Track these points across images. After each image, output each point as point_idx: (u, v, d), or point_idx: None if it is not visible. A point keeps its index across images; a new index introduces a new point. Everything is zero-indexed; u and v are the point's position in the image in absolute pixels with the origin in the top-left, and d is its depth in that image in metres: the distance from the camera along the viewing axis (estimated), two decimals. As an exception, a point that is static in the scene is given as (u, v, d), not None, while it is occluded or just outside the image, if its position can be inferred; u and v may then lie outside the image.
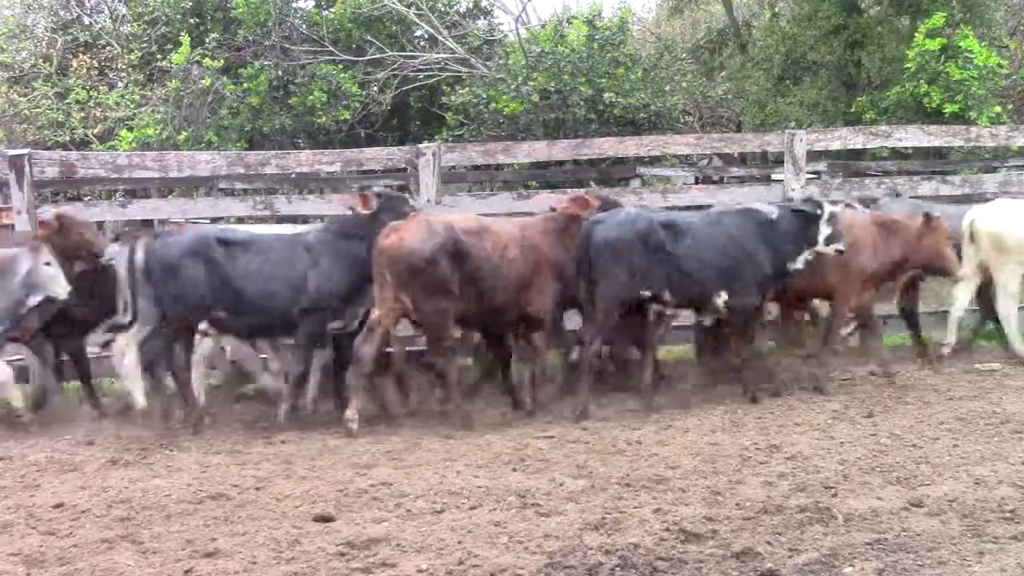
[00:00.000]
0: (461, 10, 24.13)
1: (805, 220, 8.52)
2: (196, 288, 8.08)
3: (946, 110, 16.97)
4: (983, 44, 17.88)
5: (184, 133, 20.02)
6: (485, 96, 19.69)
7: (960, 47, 17.32)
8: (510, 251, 8.10)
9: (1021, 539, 4.99)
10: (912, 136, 11.28)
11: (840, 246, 8.49)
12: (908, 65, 17.57)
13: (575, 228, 8.37)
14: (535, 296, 8.24)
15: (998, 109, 17.65)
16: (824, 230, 8.48)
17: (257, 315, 8.25)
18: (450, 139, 19.27)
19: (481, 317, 8.30)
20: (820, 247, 8.51)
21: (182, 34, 20.72)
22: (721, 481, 6.14)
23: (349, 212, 8.75)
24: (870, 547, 4.98)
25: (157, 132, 20.01)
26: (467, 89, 20.38)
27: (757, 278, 8.51)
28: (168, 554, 5.19)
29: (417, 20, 22.36)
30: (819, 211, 8.51)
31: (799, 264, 8.59)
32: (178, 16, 22.43)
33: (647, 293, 8.34)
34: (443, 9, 23.26)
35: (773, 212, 8.62)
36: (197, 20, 22.55)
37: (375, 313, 8.03)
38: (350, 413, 7.88)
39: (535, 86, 18.78)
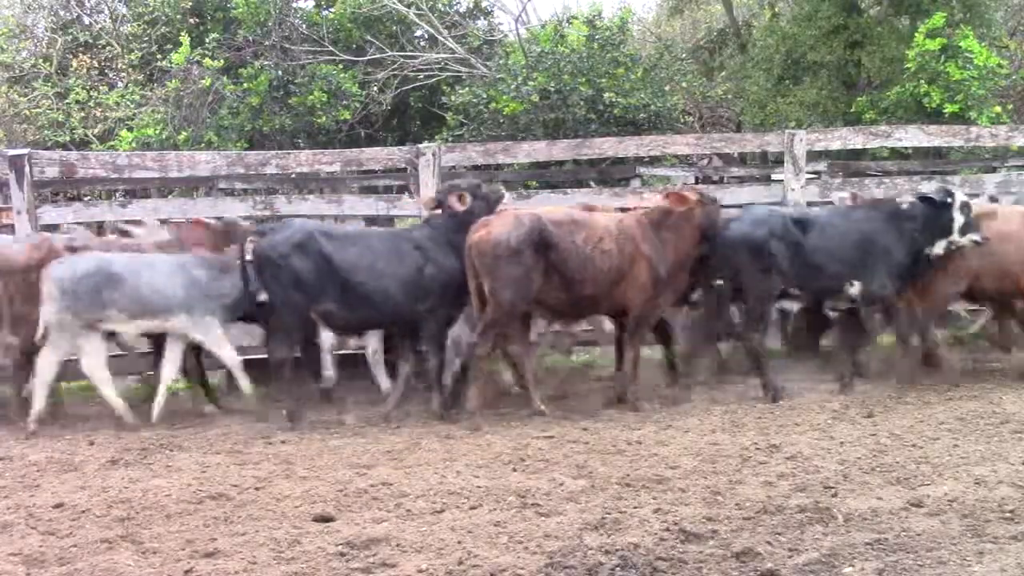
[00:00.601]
0: (461, 10, 24.13)
1: (935, 209, 8.68)
2: (308, 282, 8.26)
3: (946, 110, 16.95)
4: (983, 44, 17.85)
5: (184, 133, 20.01)
6: (485, 96, 19.67)
7: (960, 47, 17.29)
8: (604, 243, 8.21)
9: (1021, 539, 4.99)
10: (912, 136, 11.29)
11: (976, 236, 8.62)
12: (908, 65, 17.55)
13: (675, 222, 8.45)
14: (629, 289, 8.32)
15: (998, 109, 17.62)
16: (958, 219, 8.61)
17: (370, 310, 8.43)
18: (450, 139, 19.25)
19: (570, 307, 8.47)
20: (955, 237, 8.67)
21: (182, 34, 20.71)
22: (721, 481, 6.14)
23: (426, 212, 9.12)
24: (870, 547, 4.97)
25: (157, 132, 20.00)
26: (467, 89, 20.36)
27: (888, 269, 8.73)
28: (168, 554, 5.19)
29: (417, 20, 22.35)
30: (949, 200, 8.60)
31: (937, 252, 8.76)
32: (178, 16, 22.42)
33: (780, 287, 8.68)
34: (443, 9, 23.25)
35: (904, 203, 8.95)
36: (197, 20, 22.55)
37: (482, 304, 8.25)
38: (471, 406, 8.25)
39: (535, 86, 18.76)
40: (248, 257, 8.50)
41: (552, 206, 9.32)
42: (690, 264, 8.62)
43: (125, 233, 9.78)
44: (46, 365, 8.48)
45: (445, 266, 8.42)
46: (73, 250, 8.63)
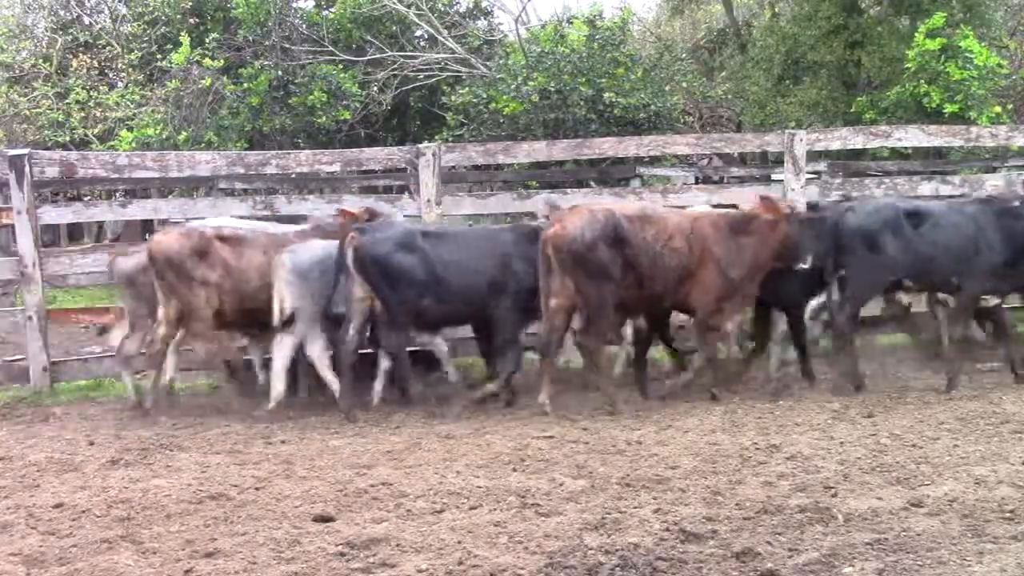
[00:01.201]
0: (461, 10, 24.15)
1: None
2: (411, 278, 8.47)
3: (946, 110, 16.95)
4: (983, 44, 17.86)
5: (184, 133, 20.03)
6: (485, 96, 19.68)
7: (960, 47, 17.29)
8: (675, 241, 8.24)
9: (1021, 539, 4.99)
10: (912, 136, 11.27)
11: None
12: (908, 65, 17.55)
13: (757, 229, 8.44)
14: (695, 288, 8.36)
15: (998, 109, 17.63)
16: None
17: (461, 306, 8.70)
18: (450, 139, 19.27)
19: (641, 303, 8.54)
20: None
21: (182, 34, 20.73)
22: (721, 481, 6.14)
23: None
24: (870, 547, 4.97)
25: (157, 132, 20.02)
26: (467, 89, 20.38)
27: (994, 265, 8.74)
28: (168, 554, 5.19)
29: (417, 20, 22.37)
30: None
31: None
32: (178, 16, 22.45)
33: (893, 278, 8.75)
34: (443, 9, 23.28)
35: (1016, 200, 8.92)
36: (197, 20, 22.57)
37: (553, 302, 8.34)
38: (542, 398, 8.32)
39: (535, 86, 18.77)
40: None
41: (625, 202, 9.40)
42: (764, 273, 8.59)
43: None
44: (284, 351, 8.71)
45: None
46: (223, 238, 8.80)
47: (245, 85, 20.76)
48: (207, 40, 21.15)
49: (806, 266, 8.42)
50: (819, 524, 5.33)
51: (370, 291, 8.52)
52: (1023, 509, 5.41)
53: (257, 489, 6.30)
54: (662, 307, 8.73)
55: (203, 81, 20.31)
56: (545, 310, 8.37)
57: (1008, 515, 5.33)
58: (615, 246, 8.12)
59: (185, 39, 20.37)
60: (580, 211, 8.32)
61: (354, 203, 9.91)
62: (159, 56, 22.05)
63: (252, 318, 8.94)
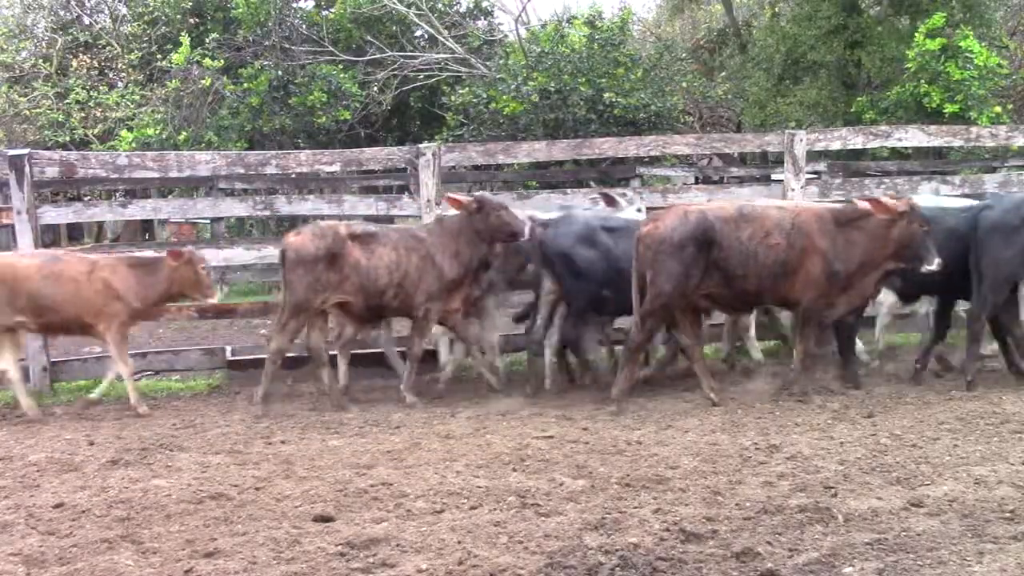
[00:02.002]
0: (461, 10, 24.15)
1: None
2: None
3: (946, 110, 16.98)
4: (983, 44, 17.89)
5: (184, 133, 20.05)
6: (485, 96, 19.70)
7: (960, 47, 17.32)
8: (772, 238, 8.25)
9: (1021, 539, 4.98)
10: (912, 136, 11.27)
11: None
12: (908, 65, 17.58)
13: (869, 226, 8.34)
14: (798, 282, 8.33)
15: (998, 109, 17.66)
16: None
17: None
18: (450, 139, 19.29)
19: (734, 300, 8.61)
20: None
21: (182, 34, 20.74)
22: (721, 481, 6.14)
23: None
24: (870, 547, 4.96)
25: (157, 132, 20.04)
26: (467, 89, 20.39)
27: None
28: (168, 554, 5.19)
29: (417, 20, 22.37)
30: None
31: None
32: (178, 16, 22.47)
33: None
34: (443, 9, 23.28)
35: None
36: (197, 20, 22.58)
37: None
38: (616, 392, 8.39)
39: (535, 86, 18.79)
40: None
41: (725, 201, 9.44)
42: (880, 272, 8.51)
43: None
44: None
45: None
46: (355, 237, 8.80)
47: (245, 85, 20.78)
48: (207, 40, 21.17)
49: (932, 267, 8.30)
50: (819, 524, 5.33)
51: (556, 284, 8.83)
52: (1023, 509, 5.40)
53: (257, 489, 6.29)
54: (761, 303, 8.88)
55: (203, 81, 20.33)
56: (636, 304, 8.46)
57: (1008, 515, 5.33)
58: (704, 248, 8.19)
59: (185, 39, 20.40)
60: (676, 210, 8.44)
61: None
62: (159, 56, 22.08)
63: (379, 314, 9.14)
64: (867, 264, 8.37)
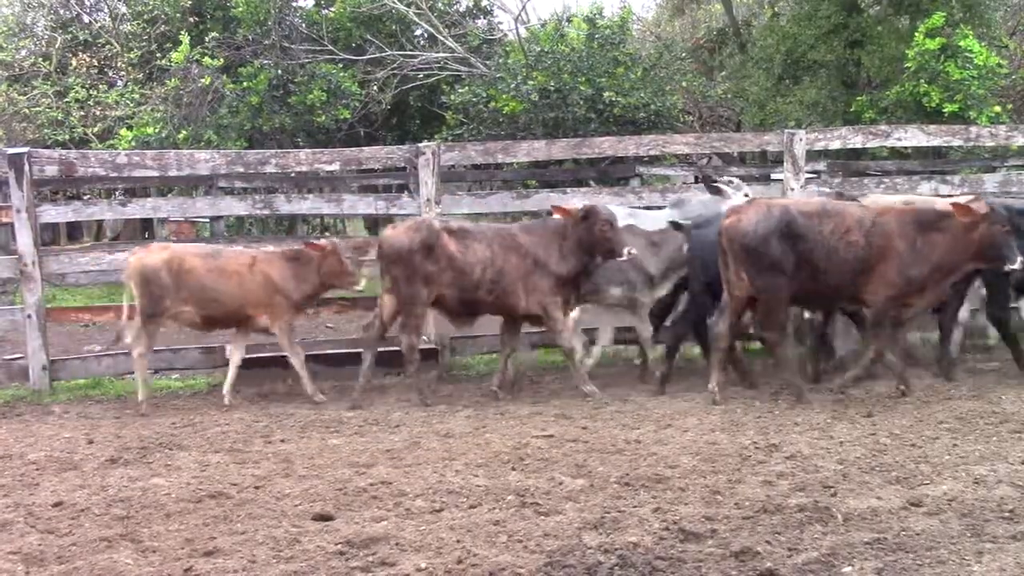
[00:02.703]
0: (461, 9, 24.15)
1: None
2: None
3: (945, 110, 16.96)
4: (983, 44, 17.88)
5: (184, 132, 20.05)
6: (485, 95, 19.71)
7: (960, 47, 17.31)
8: (851, 235, 8.24)
9: (1020, 538, 4.98)
10: (911, 136, 11.27)
11: None
12: (908, 64, 17.57)
13: (949, 228, 8.25)
14: (872, 282, 8.30)
15: (997, 109, 17.65)
16: None
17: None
18: (450, 138, 19.29)
19: (816, 296, 8.63)
20: None
21: (182, 33, 20.74)
22: (720, 480, 6.14)
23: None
24: (869, 546, 4.96)
25: (157, 131, 20.04)
26: (467, 88, 20.39)
27: None
28: (167, 553, 5.19)
29: (417, 19, 22.37)
30: None
31: None
32: (177, 15, 22.47)
33: None
34: (443, 8, 23.28)
35: None
36: (197, 19, 22.57)
37: (730, 293, 8.50)
38: (712, 386, 8.49)
39: (535, 85, 18.79)
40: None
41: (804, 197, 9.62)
42: (958, 274, 8.49)
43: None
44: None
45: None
46: (451, 231, 8.90)
47: (245, 84, 20.78)
48: (207, 39, 21.17)
49: (1016, 267, 8.23)
50: (818, 523, 5.33)
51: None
52: (1022, 508, 5.40)
53: (256, 488, 6.29)
54: (838, 300, 8.81)
55: (203, 80, 20.32)
56: (726, 297, 8.52)
57: (1007, 514, 5.33)
58: (787, 240, 8.20)
59: (185, 38, 20.39)
60: (756, 204, 8.48)
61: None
62: (159, 55, 22.08)
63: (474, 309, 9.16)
64: (948, 266, 8.33)
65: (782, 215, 8.25)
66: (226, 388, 9.24)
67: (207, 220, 18.97)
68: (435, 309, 9.23)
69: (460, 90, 20.54)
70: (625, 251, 8.77)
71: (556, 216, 9.09)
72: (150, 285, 8.87)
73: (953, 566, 4.72)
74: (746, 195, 9.63)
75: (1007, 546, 4.90)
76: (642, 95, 19.15)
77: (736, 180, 10.18)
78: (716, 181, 9.91)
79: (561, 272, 8.92)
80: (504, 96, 19.10)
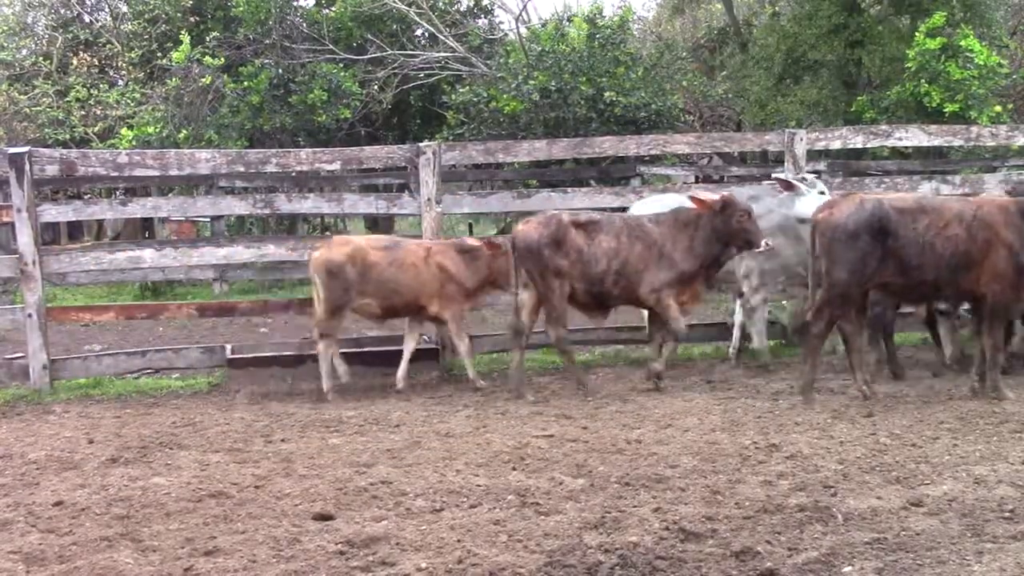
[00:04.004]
0: (462, 9, 24.16)
1: None
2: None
3: (946, 109, 16.97)
4: (983, 44, 17.89)
5: (184, 131, 20.06)
6: (485, 95, 19.71)
7: (960, 46, 17.32)
8: (950, 229, 8.17)
9: (1020, 538, 4.98)
10: (912, 136, 11.27)
11: None
12: (908, 64, 17.58)
13: None
14: (982, 275, 8.21)
15: (998, 108, 17.66)
16: None
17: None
18: (450, 138, 19.29)
19: (910, 292, 8.56)
20: None
21: (182, 32, 20.75)
22: (721, 480, 6.14)
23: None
24: (869, 546, 4.97)
25: (157, 130, 20.04)
26: (467, 88, 20.40)
27: None
28: (168, 552, 5.19)
29: (418, 19, 22.38)
30: None
31: None
32: (178, 14, 22.47)
33: None
34: (444, 8, 23.29)
35: None
36: (197, 18, 22.58)
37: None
38: (803, 382, 8.49)
39: (535, 85, 18.79)
40: None
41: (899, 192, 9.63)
42: None
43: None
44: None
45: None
46: (579, 225, 8.97)
47: (245, 83, 20.79)
48: (207, 38, 21.18)
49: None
50: (818, 523, 5.33)
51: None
52: (1022, 508, 5.41)
53: (257, 487, 6.29)
54: (939, 295, 8.74)
55: (203, 79, 20.33)
56: (812, 291, 8.53)
57: (1007, 515, 5.33)
58: (879, 237, 8.13)
59: (185, 37, 20.39)
60: (850, 198, 8.44)
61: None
62: (159, 54, 22.08)
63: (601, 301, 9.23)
64: None
65: (875, 210, 8.17)
66: (400, 375, 9.52)
67: (208, 220, 18.97)
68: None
69: (461, 90, 20.54)
70: (763, 243, 8.83)
71: (689, 207, 9.12)
72: (335, 279, 9.14)
73: (953, 566, 4.72)
74: (821, 192, 9.64)
75: (1007, 546, 4.90)
76: (643, 95, 19.15)
77: (810, 177, 10.16)
78: (789, 179, 9.86)
79: (685, 265, 8.99)
80: (505, 96, 19.10)
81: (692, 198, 9.12)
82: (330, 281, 9.14)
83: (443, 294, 9.39)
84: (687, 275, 9.00)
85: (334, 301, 9.18)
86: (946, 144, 15.13)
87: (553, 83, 18.78)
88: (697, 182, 16.90)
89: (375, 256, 9.26)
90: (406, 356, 9.61)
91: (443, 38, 22.02)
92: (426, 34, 23.43)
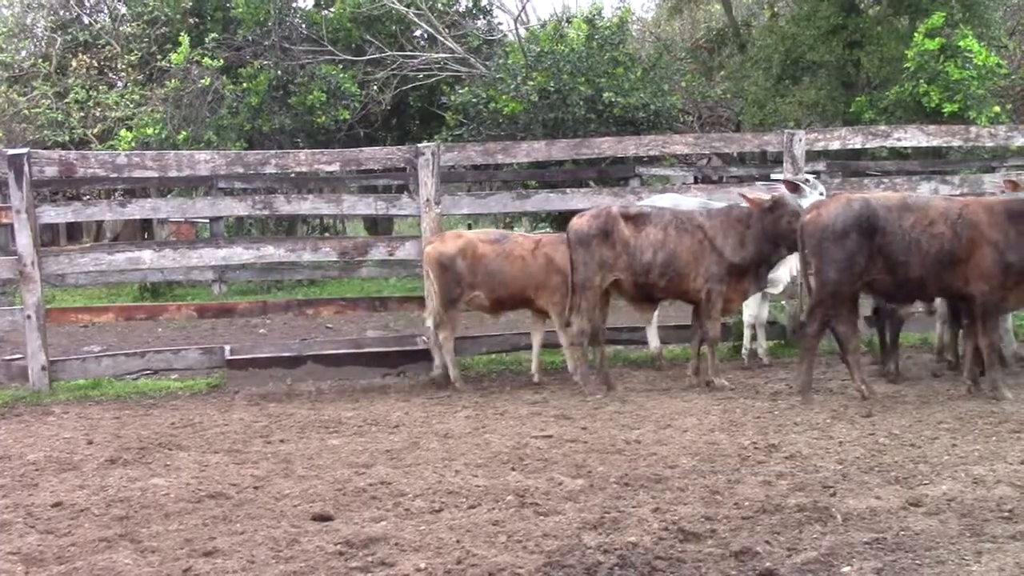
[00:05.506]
0: (460, 9, 24.16)
1: None
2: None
3: (945, 110, 16.97)
4: (982, 44, 17.88)
5: (183, 133, 20.05)
6: (484, 96, 19.70)
7: (959, 47, 17.31)
8: (936, 227, 8.22)
9: (1019, 538, 4.99)
10: (911, 136, 11.27)
11: None
12: (907, 65, 17.57)
13: None
14: (968, 274, 8.25)
15: (997, 109, 17.65)
16: None
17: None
18: (449, 139, 19.30)
19: (897, 289, 8.54)
20: None
21: (181, 34, 20.75)
22: (720, 480, 6.14)
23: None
24: (868, 546, 4.97)
25: (156, 132, 20.04)
26: (466, 89, 20.39)
27: None
28: (167, 553, 5.19)
29: (416, 20, 22.38)
30: None
31: None
32: (177, 16, 22.47)
33: None
34: (443, 9, 23.28)
35: None
36: (197, 20, 22.59)
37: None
38: (800, 383, 8.56)
39: (534, 86, 18.78)
40: None
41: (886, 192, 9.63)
42: None
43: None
44: None
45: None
46: (628, 218, 9.10)
47: (244, 85, 20.80)
48: (206, 40, 21.18)
49: None
50: (818, 523, 5.33)
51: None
52: (1021, 508, 5.41)
53: (256, 488, 6.30)
54: (924, 293, 8.71)
55: (202, 81, 20.33)
56: (806, 291, 8.62)
57: (1006, 514, 5.33)
58: (867, 235, 8.20)
59: (184, 39, 20.39)
60: (839, 198, 8.50)
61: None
62: (159, 56, 22.08)
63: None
64: None
65: (862, 209, 8.23)
66: (533, 368, 9.78)
67: (207, 221, 18.97)
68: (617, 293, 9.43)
69: (460, 91, 20.54)
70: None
71: (743, 204, 9.21)
72: (447, 272, 9.42)
73: (952, 566, 4.72)
74: (821, 193, 9.64)
75: (1006, 546, 4.91)
76: (641, 95, 19.14)
77: (811, 178, 10.17)
78: (794, 180, 9.88)
79: (735, 260, 9.06)
80: (504, 97, 19.09)
81: (743, 195, 9.28)
82: (442, 275, 9.44)
83: (548, 286, 9.52)
84: (735, 268, 9.09)
85: (447, 293, 9.47)
86: (945, 144, 15.12)
87: (552, 84, 18.77)
88: (696, 183, 16.88)
89: (484, 249, 9.49)
90: (536, 349, 9.87)
91: (442, 39, 22.02)
92: (425, 35, 23.43)
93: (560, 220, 17.37)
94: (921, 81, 17.38)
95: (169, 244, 12.73)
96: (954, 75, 17.04)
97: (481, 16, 24.89)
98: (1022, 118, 21.10)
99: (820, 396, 8.49)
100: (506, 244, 9.60)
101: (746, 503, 5.68)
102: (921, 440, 6.95)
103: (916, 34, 17.61)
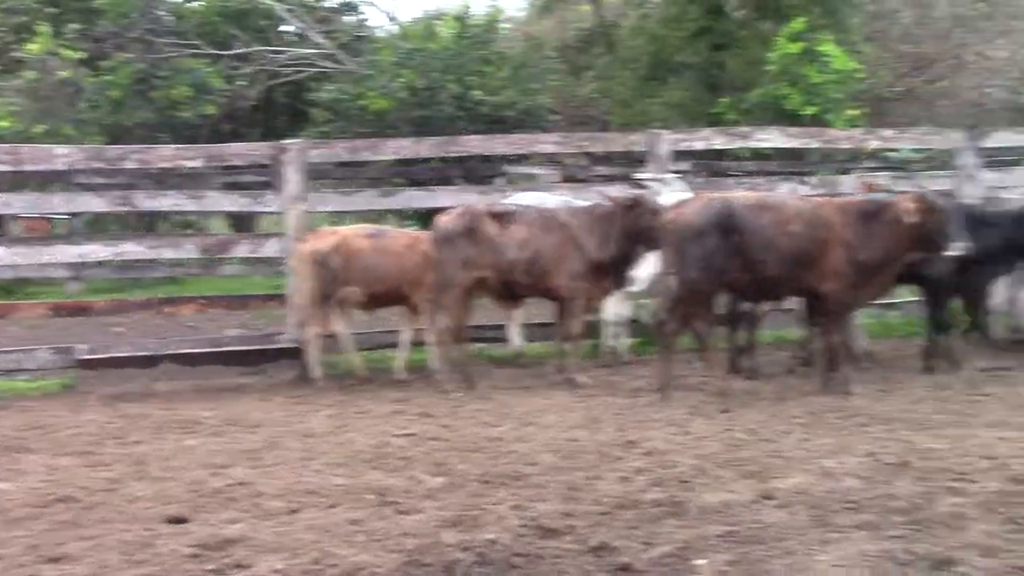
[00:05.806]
0: (330, 5, 23.98)
1: None
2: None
3: (805, 112, 17.39)
4: (842, 48, 18.38)
5: (41, 126, 19.47)
6: (353, 92, 19.57)
7: (819, 51, 17.76)
8: (791, 226, 8.28)
9: (864, 528, 5.12)
10: (772, 137, 11.53)
11: None
12: (770, 67, 17.96)
13: (888, 218, 8.35)
14: (822, 273, 8.33)
15: (854, 112, 18.16)
16: None
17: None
18: (316, 135, 19.11)
19: (754, 287, 8.60)
20: None
21: (40, 23, 20.17)
22: (579, 477, 6.18)
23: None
24: (722, 539, 5.05)
25: (11, 125, 19.42)
26: (335, 86, 20.25)
27: None
28: (10, 560, 5.00)
29: (284, 15, 22.13)
30: None
31: None
32: (36, 5, 21.84)
33: None
34: (312, 4, 23.08)
35: None
36: (56, 10, 21.97)
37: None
38: (660, 381, 8.61)
39: (403, 83, 18.72)
40: None
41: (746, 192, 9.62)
42: (898, 262, 8.56)
43: None
44: None
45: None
46: (493, 216, 9.10)
47: (106, 78, 20.30)
48: (66, 30, 20.63)
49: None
50: (673, 518, 5.40)
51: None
52: (866, 499, 5.56)
53: (108, 491, 6.13)
54: (780, 292, 8.84)
55: (62, 73, 19.80)
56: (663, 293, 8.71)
57: (852, 505, 5.47)
58: (726, 234, 8.27)
59: (44, 28, 19.83)
60: (699, 199, 8.61)
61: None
62: (15, 46, 21.42)
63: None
64: (890, 256, 8.48)
65: (722, 208, 8.36)
66: (400, 365, 9.91)
67: (65, 217, 18.47)
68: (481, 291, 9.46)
69: (328, 87, 20.38)
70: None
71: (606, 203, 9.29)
72: (322, 269, 9.40)
73: (800, 556, 4.83)
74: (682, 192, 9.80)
75: (851, 535, 5.03)
76: (510, 94, 19.23)
77: (669, 177, 10.29)
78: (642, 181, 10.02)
79: (598, 258, 9.12)
80: (372, 94, 19.00)
81: (608, 197, 9.39)
82: (318, 271, 9.39)
83: (424, 282, 9.48)
84: (597, 266, 9.16)
85: (321, 290, 9.44)
86: (804, 146, 15.50)
87: (421, 81, 18.74)
88: (563, 182, 17.00)
89: (360, 244, 9.50)
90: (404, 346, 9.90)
91: (310, 34, 21.82)
92: (295, 31, 23.19)
93: (427, 218, 17.32)
94: (783, 84, 17.78)
95: (22, 240, 12.36)
96: (814, 79, 17.48)
97: (351, 12, 24.74)
98: (877, 121, 21.75)
99: (679, 393, 8.61)
100: (383, 239, 9.59)
101: (604, 499, 5.73)
102: (775, 435, 7.10)
103: (779, 38, 18.01)
